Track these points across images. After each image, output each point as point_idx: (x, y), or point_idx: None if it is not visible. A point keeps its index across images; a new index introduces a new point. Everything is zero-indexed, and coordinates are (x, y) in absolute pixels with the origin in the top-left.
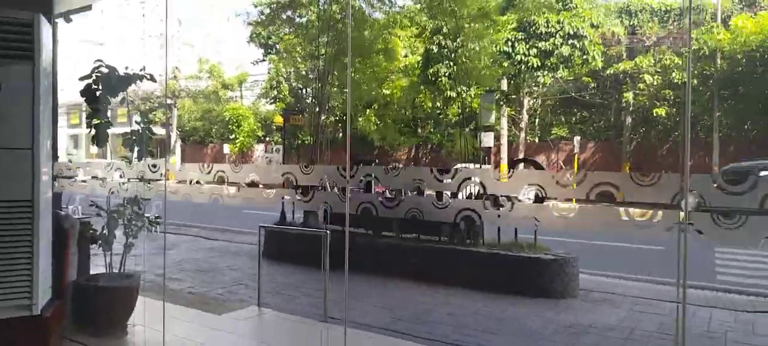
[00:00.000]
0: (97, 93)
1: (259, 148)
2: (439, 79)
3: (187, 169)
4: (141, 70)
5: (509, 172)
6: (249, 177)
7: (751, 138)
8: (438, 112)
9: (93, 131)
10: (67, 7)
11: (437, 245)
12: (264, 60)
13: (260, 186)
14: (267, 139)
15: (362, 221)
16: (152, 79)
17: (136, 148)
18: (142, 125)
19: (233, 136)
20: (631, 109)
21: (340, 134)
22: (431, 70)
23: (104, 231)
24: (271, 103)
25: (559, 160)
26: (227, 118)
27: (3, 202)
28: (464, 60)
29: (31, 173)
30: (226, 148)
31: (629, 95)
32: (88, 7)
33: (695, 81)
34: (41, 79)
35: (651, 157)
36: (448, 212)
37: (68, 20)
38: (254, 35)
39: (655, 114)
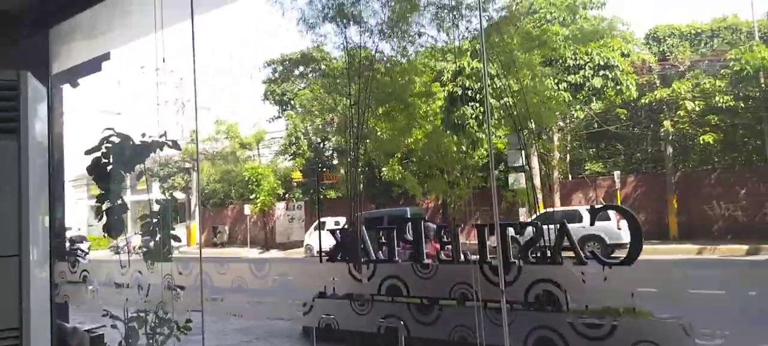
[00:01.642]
0: (108, 168)
1: (280, 206)
2: (467, 122)
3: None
4: (161, 136)
5: (592, 222)
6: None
7: None
8: (463, 155)
9: (104, 218)
10: (64, 64)
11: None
12: (280, 117)
13: None
14: (287, 196)
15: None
16: (176, 145)
17: (157, 232)
18: (164, 198)
19: (254, 195)
20: (670, 137)
21: (361, 186)
22: (457, 114)
23: None
24: (290, 160)
25: (598, 197)
26: (247, 178)
27: None
28: (497, 101)
29: (18, 290)
30: (247, 209)
31: (668, 123)
32: (98, 68)
33: (742, 103)
34: (31, 159)
35: (697, 188)
36: None
37: (75, 85)
38: (269, 92)
39: (702, 141)
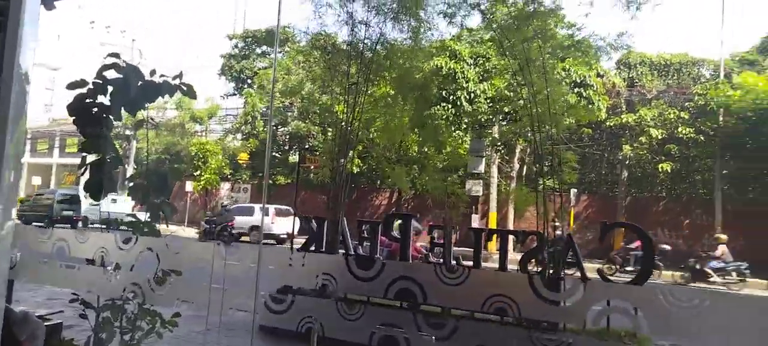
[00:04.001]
0: (94, 110)
1: (224, 187)
2: (437, 122)
3: None
4: (175, 77)
5: (601, 239)
6: None
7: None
8: (423, 156)
9: (87, 173)
10: None
11: (496, 323)
12: (235, 94)
13: None
14: (232, 177)
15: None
16: (191, 93)
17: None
18: (164, 157)
19: (198, 172)
20: (627, 162)
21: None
22: (427, 113)
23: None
24: (242, 140)
25: (550, 212)
26: (193, 153)
27: None
28: (464, 102)
29: None
30: (189, 186)
31: (627, 148)
32: None
33: (701, 137)
34: (16, 72)
35: (645, 213)
36: None
37: (50, 7)
38: (226, 68)
39: (659, 169)
